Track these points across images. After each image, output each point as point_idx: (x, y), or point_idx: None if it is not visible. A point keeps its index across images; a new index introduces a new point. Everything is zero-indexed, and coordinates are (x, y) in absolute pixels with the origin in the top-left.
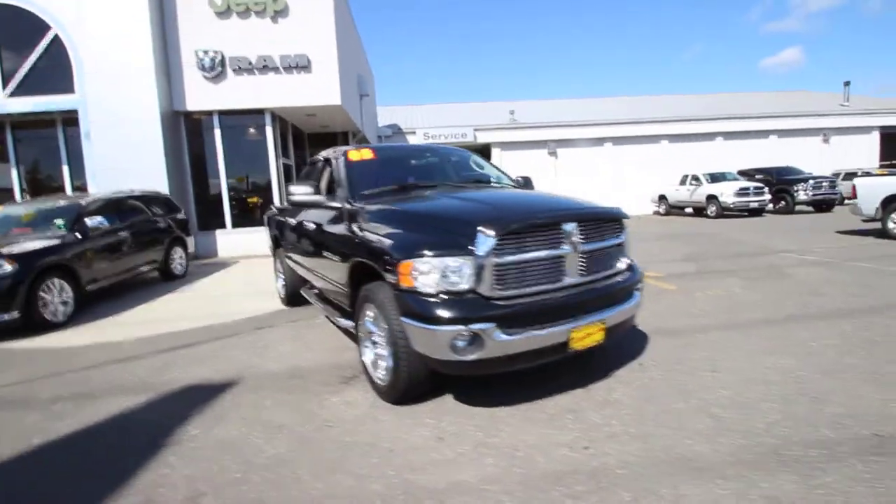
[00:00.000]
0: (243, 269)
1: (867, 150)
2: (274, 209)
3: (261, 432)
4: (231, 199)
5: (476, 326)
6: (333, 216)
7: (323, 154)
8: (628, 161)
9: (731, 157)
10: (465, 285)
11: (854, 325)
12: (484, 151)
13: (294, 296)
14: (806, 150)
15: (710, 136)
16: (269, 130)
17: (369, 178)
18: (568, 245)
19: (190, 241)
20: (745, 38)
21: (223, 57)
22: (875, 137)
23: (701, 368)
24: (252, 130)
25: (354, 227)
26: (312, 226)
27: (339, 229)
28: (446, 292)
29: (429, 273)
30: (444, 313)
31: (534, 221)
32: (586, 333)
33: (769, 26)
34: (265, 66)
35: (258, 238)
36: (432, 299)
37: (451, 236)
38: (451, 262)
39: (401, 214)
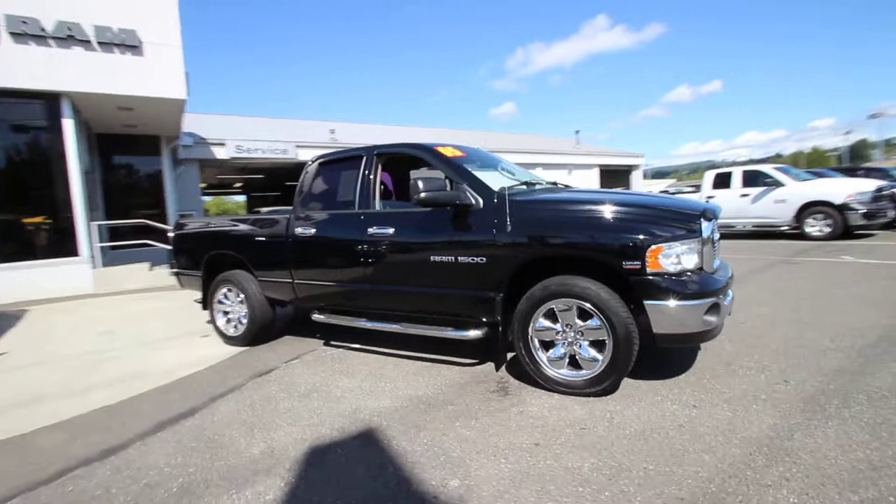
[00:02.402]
0: (67, 319)
1: (593, 181)
2: (206, 223)
3: None
4: None
5: (717, 297)
6: (469, 215)
7: (383, 151)
8: None
9: None
10: (698, 264)
11: None
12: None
13: (263, 331)
14: (558, 179)
15: (530, 165)
16: (66, 125)
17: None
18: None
19: None
20: (478, 90)
21: None
22: (596, 172)
23: None
24: (39, 123)
25: (517, 221)
26: (410, 230)
27: (486, 225)
28: (688, 271)
29: (677, 255)
30: (698, 288)
31: (718, 213)
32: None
33: (494, 83)
34: (70, 37)
35: (49, 275)
36: (683, 278)
37: (679, 223)
38: (692, 244)
39: (598, 204)
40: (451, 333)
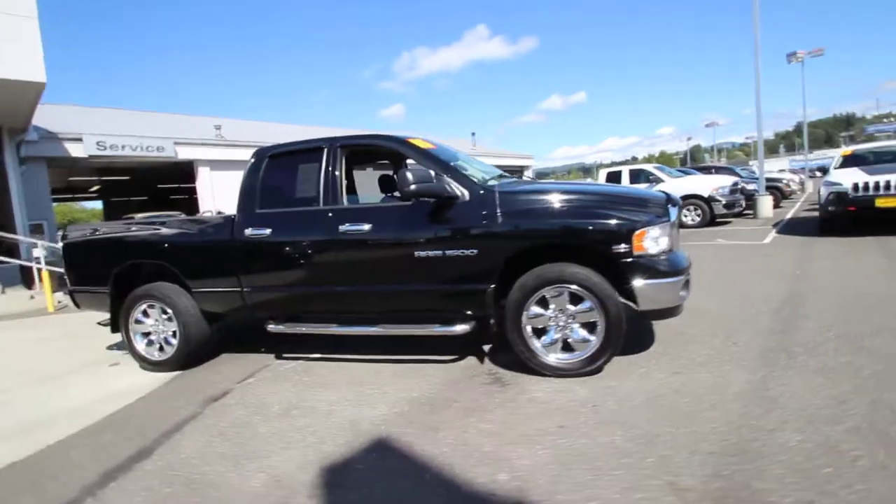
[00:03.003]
0: None
1: None
2: (115, 229)
3: None
4: None
5: (688, 274)
6: (455, 207)
7: (347, 143)
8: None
9: None
10: (670, 245)
11: None
12: (186, 170)
13: (199, 350)
14: None
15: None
16: None
17: None
18: None
19: None
20: (365, 91)
21: None
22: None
23: None
24: None
25: (507, 212)
26: (389, 226)
27: (475, 217)
28: (664, 252)
29: (656, 238)
30: (674, 267)
31: (678, 201)
32: None
33: (382, 85)
34: None
35: None
36: (662, 258)
37: (654, 209)
38: (665, 227)
39: (580, 194)
40: (438, 330)
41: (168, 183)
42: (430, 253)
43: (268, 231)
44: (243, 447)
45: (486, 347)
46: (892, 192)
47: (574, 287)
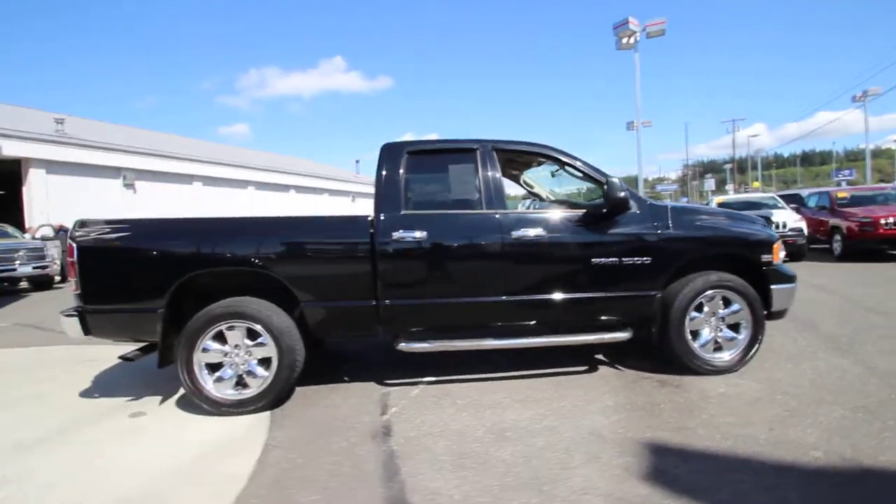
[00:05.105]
0: None
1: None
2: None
3: None
4: None
5: None
6: (630, 217)
7: (501, 147)
8: (220, 202)
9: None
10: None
11: None
12: (14, 171)
13: (292, 384)
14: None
15: (317, 190)
16: None
17: None
18: None
19: None
20: (201, 103)
21: None
22: None
23: None
24: None
25: (678, 224)
26: (566, 233)
27: (650, 228)
28: (783, 261)
29: (780, 249)
30: (792, 274)
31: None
32: None
33: (224, 99)
34: None
35: None
36: (784, 267)
37: (769, 227)
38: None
39: (724, 214)
40: (608, 337)
41: None
42: (608, 260)
43: (422, 234)
44: (516, 475)
45: (599, 355)
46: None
47: (726, 291)
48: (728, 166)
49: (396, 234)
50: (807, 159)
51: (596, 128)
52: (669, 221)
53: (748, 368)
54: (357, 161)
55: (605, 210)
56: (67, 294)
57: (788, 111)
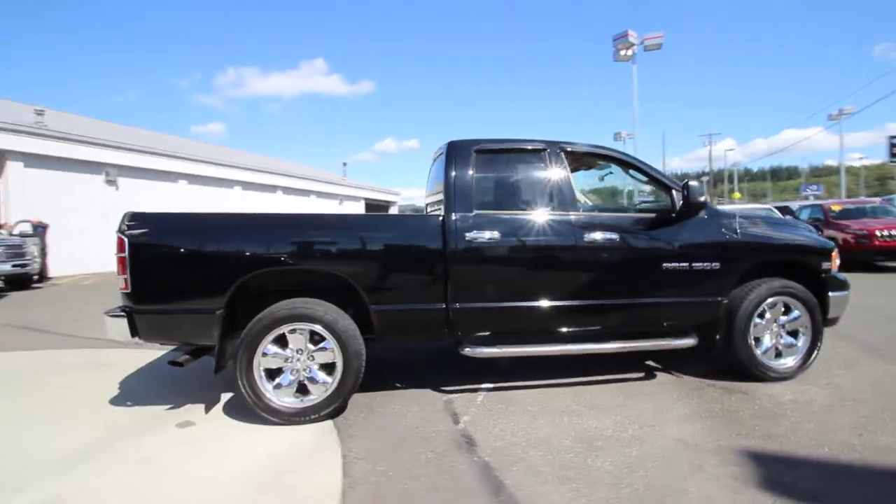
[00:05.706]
0: None
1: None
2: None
3: None
4: None
5: None
6: (698, 222)
7: (570, 149)
8: (208, 203)
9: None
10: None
11: None
12: None
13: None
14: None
15: (305, 192)
16: None
17: None
18: None
19: None
20: (176, 100)
21: None
22: (362, 204)
23: None
24: None
25: (745, 231)
26: (639, 237)
27: (719, 234)
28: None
29: (836, 257)
30: (846, 282)
31: None
32: None
33: (199, 97)
34: None
35: None
36: (839, 275)
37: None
38: None
39: (786, 222)
40: (675, 343)
41: None
42: (679, 265)
43: (495, 235)
44: (630, 487)
45: (649, 362)
46: None
47: (788, 298)
48: (705, 178)
49: (469, 235)
50: (775, 174)
51: (581, 137)
52: (737, 227)
53: (806, 375)
54: (344, 164)
55: (674, 214)
56: (52, 294)
57: (756, 126)
